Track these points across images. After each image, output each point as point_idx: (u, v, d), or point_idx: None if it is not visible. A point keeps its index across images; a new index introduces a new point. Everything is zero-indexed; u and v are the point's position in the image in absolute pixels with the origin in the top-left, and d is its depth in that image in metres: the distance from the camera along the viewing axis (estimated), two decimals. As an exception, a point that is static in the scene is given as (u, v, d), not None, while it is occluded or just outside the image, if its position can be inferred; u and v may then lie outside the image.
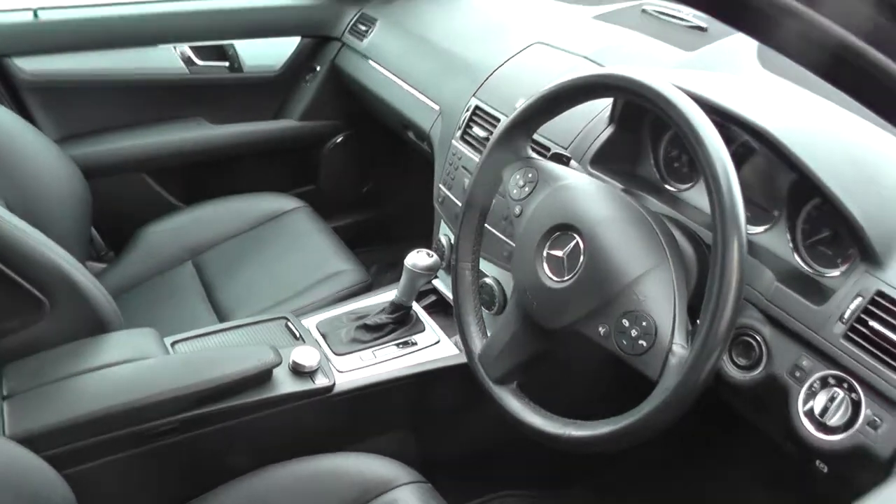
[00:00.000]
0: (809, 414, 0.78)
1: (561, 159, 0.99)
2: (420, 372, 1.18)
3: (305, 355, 1.12)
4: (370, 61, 1.76)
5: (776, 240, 0.93)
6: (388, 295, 1.32)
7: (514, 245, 0.96)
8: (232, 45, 1.79)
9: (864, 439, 0.74)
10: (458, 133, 1.36)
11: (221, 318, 1.43)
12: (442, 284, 1.38)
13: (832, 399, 0.77)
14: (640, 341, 0.77)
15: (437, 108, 1.50)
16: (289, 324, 1.23)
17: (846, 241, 0.85)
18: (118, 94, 1.71)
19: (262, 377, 1.07)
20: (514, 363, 0.92)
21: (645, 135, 1.09)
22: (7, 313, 1.03)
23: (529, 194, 0.93)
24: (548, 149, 1.10)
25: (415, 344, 1.23)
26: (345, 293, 1.43)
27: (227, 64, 1.80)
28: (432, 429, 1.22)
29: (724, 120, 0.87)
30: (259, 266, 1.55)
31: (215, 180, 1.79)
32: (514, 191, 0.95)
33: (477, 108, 1.34)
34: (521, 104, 0.97)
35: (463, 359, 1.19)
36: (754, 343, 0.85)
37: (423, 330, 1.27)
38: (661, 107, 0.80)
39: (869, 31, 0.46)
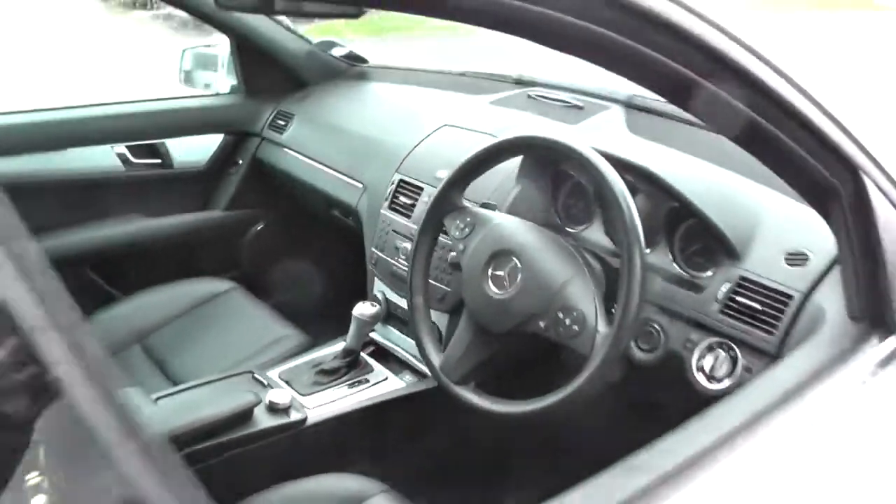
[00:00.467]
0: (701, 370, 1.03)
1: (488, 206, 1.24)
2: (376, 403, 1.37)
3: (279, 395, 1.28)
4: (292, 151, 1.98)
5: (660, 258, 1.19)
6: (334, 347, 1.50)
7: (448, 290, 1.17)
8: (163, 143, 1.96)
9: (743, 382, 0.99)
10: (386, 203, 1.59)
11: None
12: (379, 335, 1.57)
13: (716, 358, 1.02)
14: (574, 326, 1.00)
15: (360, 185, 1.72)
16: (255, 375, 1.39)
17: (713, 248, 1.13)
18: (58, 193, 1.83)
19: (245, 416, 1.22)
20: (470, 367, 1.13)
21: (546, 187, 1.36)
22: None
23: (469, 234, 1.16)
24: (475, 202, 1.34)
25: (367, 381, 1.42)
26: (293, 352, 1.59)
27: (159, 161, 1.96)
28: (394, 447, 1.39)
29: (618, 167, 1.14)
30: (206, 340, 1.68)
31: (153, 270, 1.92)
32: (457, 233, 1.18)
33: (401, 181, 1.57)
34: (442, 173, 1.22)
35: (410, 389, 1.40)
36: (654, 330, 1.10)
37: (371, 370, 1.46)
38: (573, 157, 1.06)
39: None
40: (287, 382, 1.39)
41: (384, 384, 1.42)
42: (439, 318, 1.40)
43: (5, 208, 0.41)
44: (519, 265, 1.07)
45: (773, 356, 0.99)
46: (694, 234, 1.17)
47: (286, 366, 1.46)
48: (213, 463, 1.19)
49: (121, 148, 1.89)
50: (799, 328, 0.98)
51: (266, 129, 2.09)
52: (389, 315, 1.56)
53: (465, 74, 2.04)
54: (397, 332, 1.55)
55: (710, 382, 1.02)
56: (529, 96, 1.75)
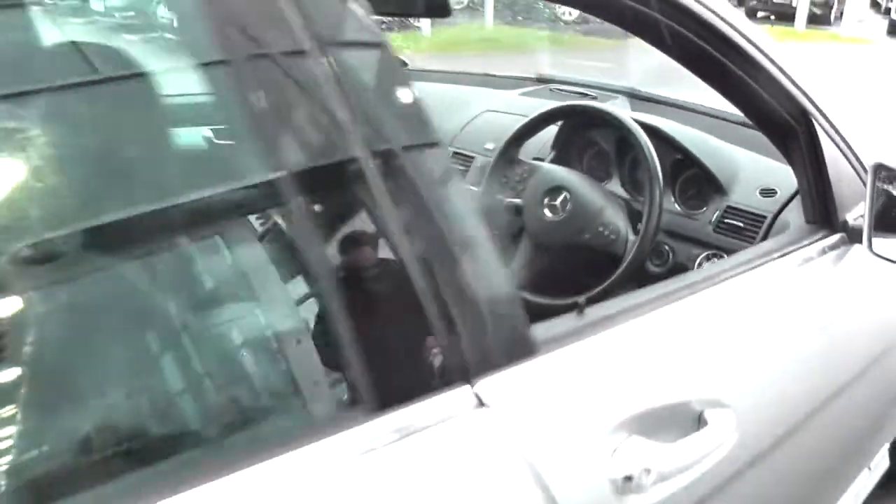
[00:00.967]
0: (702, 272, 1.42)
1: (537, 160, 1.63)
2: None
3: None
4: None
5: (667, 201, 1.58)
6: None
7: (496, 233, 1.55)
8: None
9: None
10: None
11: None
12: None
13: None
14: (611, 236, 1.38)
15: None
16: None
17: (706, 190, 1.52)
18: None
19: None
20: (530, 277, 1.51)
21: (574, 152, 1.75)
22: None
23: (527, 178, 1.55)
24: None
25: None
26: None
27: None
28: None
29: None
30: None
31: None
32: (516, 178, 1.56)
33: (454, 152, 1.96)
34: (490, 145, 1.60)
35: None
36: (664, 250, 1.48)
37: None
38: (607, 118, 1.45)
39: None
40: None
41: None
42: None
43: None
44: (568, 196, 1.45)
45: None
46: (691, 182, 1.56)
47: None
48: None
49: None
50: (771, 237, 1.37)
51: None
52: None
53: (493, 76, 2.44)
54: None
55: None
56: (551, 90, 2.15)
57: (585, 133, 1.66)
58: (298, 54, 0.62)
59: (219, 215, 0.70)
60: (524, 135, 1.58)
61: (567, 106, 1.54)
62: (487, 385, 0.68)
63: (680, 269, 1.44)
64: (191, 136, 0.85)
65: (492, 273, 0.70)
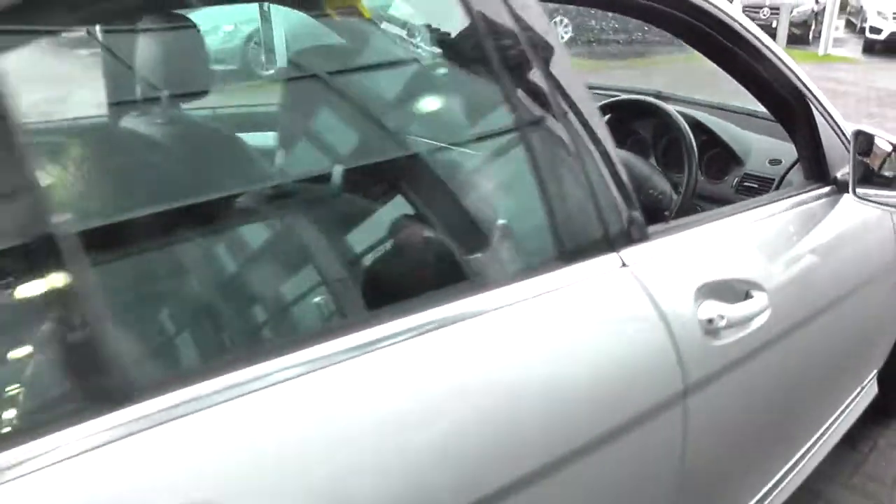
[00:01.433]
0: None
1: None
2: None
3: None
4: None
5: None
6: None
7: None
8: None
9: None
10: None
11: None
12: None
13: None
14: (659, 196, 1.81)
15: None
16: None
17: (728, 164, 1.96)
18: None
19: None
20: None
21: (618, 140, 2.18)
22: None
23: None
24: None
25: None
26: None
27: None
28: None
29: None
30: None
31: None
32: None
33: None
34: None
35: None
36: (697, 209, 1.91)
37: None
38: (652, 108, 1.88)
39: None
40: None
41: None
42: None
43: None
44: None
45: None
46: (714, 158, 2.00)
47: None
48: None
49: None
50: (779, 195, 1.81)
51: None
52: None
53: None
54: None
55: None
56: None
57: (628, 123, 2.09)
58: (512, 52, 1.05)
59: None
60: None
61: (617, 100, 1.98)
62: (625, 254, 1.10)
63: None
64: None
65: (623, 181, 1.13)
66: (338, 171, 1.08)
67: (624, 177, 1.12)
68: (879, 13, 13.03)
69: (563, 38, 11.54)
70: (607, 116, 2.08)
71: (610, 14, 1.35)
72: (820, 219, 1.61)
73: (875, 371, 2.19)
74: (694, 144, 1.79)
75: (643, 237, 1.14)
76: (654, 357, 1.07)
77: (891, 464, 2.36)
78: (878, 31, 13.00)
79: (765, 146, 1.94)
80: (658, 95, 2.41)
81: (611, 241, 1.09)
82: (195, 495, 0.63)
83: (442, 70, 1.16)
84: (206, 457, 0.66)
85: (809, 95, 1.63)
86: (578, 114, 1.07)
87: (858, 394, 2.09)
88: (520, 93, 1.02)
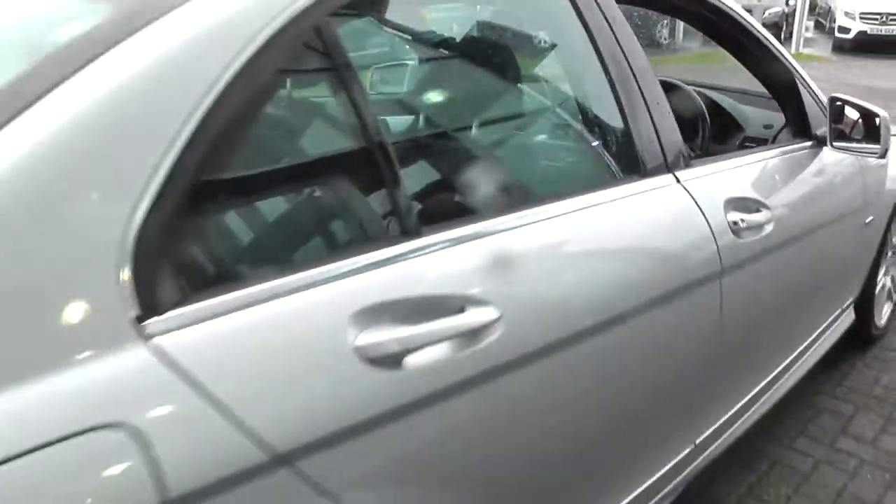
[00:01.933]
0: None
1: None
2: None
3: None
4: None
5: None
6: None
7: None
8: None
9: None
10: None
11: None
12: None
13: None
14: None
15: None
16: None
17: (731, 130, 2.48)
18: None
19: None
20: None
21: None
22: None
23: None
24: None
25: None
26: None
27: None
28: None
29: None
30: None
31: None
32: None
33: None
34: None
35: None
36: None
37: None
38: (675, 86, 2.41)
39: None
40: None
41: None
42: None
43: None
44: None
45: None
46: (720, 127, 2.52)
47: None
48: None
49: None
50: (772, 151, 2.34)
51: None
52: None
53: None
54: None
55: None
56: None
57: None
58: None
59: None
60: None
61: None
62: (678, 174, 1.62)
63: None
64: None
65: (675, 126, 1.64)
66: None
67: (674, 123, 1.64)
68: (847, 14, 13.75)
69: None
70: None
71: (635, 13, 1.78)
72: (806, 164, 2.14)
73: (852, 300, 2.73)
74: (707, 113, 2.31)
75: (688, 164, 1.65)
76: (700, 242, 1.59)
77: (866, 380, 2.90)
78: (846, 30, 13.73)
79: (759, 115, 2.47)
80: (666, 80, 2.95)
81: (668, 165, 1.60)
82: (469, 290, 1.12)
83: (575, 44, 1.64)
84: (468, 268, 1.16)
85: (795, 73, 2.17)
86: (649, 81, 1.58)
87: (839, 315, 2.62)
88: (610, 63, 1.53)
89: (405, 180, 1.10)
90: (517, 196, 1.42)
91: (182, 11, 0.97)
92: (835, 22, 14.40)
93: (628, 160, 1.53)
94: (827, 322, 2.49)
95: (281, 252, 1.07)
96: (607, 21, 1.51)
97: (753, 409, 2.06)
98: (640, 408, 1.50)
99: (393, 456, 1.01)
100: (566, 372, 1.25)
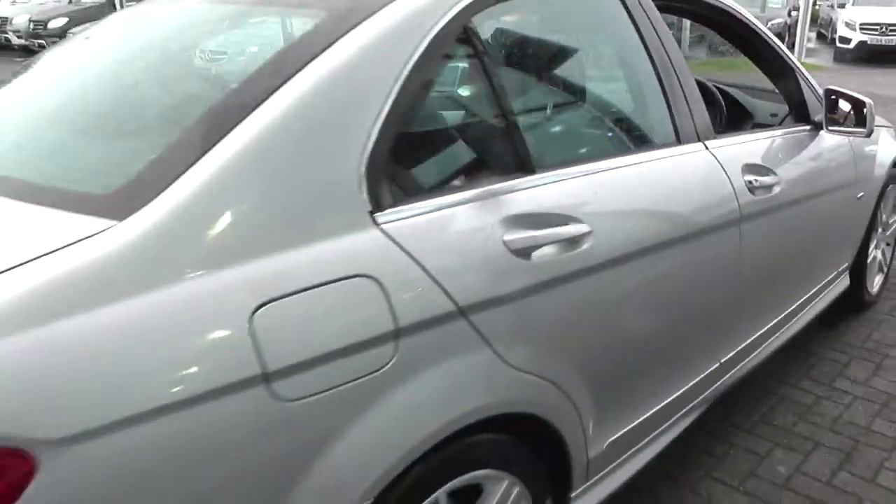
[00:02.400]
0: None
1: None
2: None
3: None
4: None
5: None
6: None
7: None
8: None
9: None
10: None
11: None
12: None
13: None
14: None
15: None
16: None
17: (742, 118, 2.95)
18: None
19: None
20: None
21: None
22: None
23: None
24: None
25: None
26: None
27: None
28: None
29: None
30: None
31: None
32: None
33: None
34: None
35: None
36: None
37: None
38: (700, 85, 2.89)
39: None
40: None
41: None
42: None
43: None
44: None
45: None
46: (732, 114, 2.99)
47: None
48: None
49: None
50: (778, 135, 2.81)
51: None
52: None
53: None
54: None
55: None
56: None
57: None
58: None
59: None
60: None
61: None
62: (707, 143, 2.09)
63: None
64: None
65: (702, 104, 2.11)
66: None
67: (703, 104, 2.11)
68: (848, 24, 14.23)
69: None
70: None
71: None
72: (806, 143, 2.61)
73: (847, 265, 3.19)
74: (723, 102, 2.77)
75: (714, 136, 2.12)
76: (724, 193, 2.05)
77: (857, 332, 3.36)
78: (847, 41, 14.20)
79: (765, 106, 2.94)
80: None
81: (699, 136, 2.07)
82: (570, 211, 1.59)
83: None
84: (570, 196, 1.63)
85: (797, 69, 2.64)
86: (684, 71, 2.06)
87: (836, 277, 3.08)
88: (655, 57, 2.00)
89: (528, 132, 1.61)
90: (601, 149, 1.92)
91: (381, 15, 1.44)
92: (836, 33, 14.85)
93: (671, 130, 2.00)
94: (825, 280, 2.95)
95: (454, 176, 1.54)
96: (653, 26, 1.98)
97: (765, 344, 2.52)
98: (683, 316, 1.97)
99: (526, 319, 1.48)
100: (635, 277, 1.73)
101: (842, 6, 15.39)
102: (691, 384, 2.11)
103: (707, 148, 2.07)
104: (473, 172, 1.54)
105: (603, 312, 1.66)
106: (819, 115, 2.66)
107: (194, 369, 1.05)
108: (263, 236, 1.17)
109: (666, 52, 2.01)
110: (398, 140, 1.36)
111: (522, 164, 1.57)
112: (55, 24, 15.48)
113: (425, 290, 1.30)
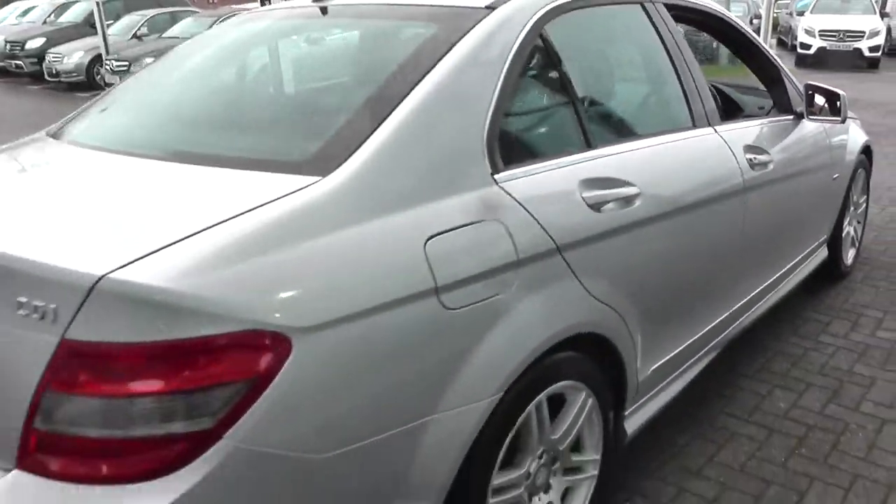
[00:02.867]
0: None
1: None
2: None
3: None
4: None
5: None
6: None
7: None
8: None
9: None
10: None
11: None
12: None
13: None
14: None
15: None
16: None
17: (734, 111, 3.43)
18: None
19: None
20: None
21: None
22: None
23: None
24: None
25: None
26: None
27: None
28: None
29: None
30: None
31: None
32: None
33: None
34: None
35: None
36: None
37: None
38: None
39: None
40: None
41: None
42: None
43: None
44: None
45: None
46: (726, 109, 3.46)
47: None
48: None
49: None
50: (767, 124, 3.30)
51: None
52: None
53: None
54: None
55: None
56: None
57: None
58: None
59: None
60: None
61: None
62: (715, 127, 2.56)
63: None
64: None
65: (712, 94, 2.58)
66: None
67: (711, 96, 2.58)
68: (807, 31, 14.95)
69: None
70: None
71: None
72: (790, 130, 3.10)
73: (825, 237, 3.68)
74: (718, 99, 3.24)
75: (719, 122, 2.59)
76: (731, 169, 2.52)
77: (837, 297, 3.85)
78: (807, 46, 14.91)
79: (753, 100, 3.43)
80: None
81: (709, 121, 2.54)
82: (625, 176, 2.04)
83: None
84: (625, 164, 2.08)
85: (780, 67, 3.13)
86: (696, 70, 2.52)
87: (817, 247, 3.57)
88: (675, 58, 2.46)
89: (593, 117, 2.11)
90: (641, 130, 2.38)
91: (483, 25, 1.88)
92: (796, 39, 15.56)
93: (688, 116, 2.46)
94: (809, 248, 3.44)
95: (544, 148, 1.99)
96: (672, 36, 2.45)
97: (763, 300, 3.00)
98: (706, 265, 2.44)
99: (600, 258, 1.92)
100: (670, 230, 2.19)
101: (801, 14, 16.13)
102: (710, 326, 2.57)
103: (716, 131, 2.53)
104: (557, 146, 1.99)
105: (649, 257, 2.11)
106: (800, 107, 3.15)
107: (392, 281, 1.47)
108: (424, 188, 1.59)
109: (682, 55, 2.47)
110: (504, 121, 1.80)
111: (589, 141, 2.02)
112: (32, 44, 15.34)
113: (534, 232, 1.73)
